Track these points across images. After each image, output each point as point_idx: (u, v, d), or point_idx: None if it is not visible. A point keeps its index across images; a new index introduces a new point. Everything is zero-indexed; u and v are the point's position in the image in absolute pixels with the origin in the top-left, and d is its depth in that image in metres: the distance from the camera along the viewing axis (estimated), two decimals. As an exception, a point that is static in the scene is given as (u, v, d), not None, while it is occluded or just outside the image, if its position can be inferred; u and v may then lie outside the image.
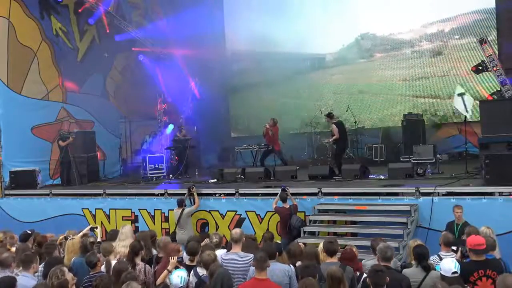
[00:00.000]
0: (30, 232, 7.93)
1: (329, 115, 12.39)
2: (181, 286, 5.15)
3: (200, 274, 5.58)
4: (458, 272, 4.89)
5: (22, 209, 12.91)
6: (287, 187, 9.75)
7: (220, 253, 6.43)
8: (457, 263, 4.94)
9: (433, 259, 5.79)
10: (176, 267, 5.63)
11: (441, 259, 5.63)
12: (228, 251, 6.45)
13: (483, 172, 8.95)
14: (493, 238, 5.77)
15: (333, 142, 12.39)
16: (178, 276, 5.11)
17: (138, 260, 6.09)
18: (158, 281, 5.70)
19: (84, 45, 16.13)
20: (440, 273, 4.96)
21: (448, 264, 4.94)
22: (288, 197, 9.37)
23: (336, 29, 16.33)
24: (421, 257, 5.34)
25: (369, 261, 6.12)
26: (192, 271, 5.74)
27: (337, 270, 4.85)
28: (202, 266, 5.62)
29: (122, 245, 6.77)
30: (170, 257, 5.79)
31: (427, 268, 5.24)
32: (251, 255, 5.67)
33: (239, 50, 16.15)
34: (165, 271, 5.65)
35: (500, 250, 6.05)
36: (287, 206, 9.25)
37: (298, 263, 5.92)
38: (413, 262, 5.70)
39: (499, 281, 4.40)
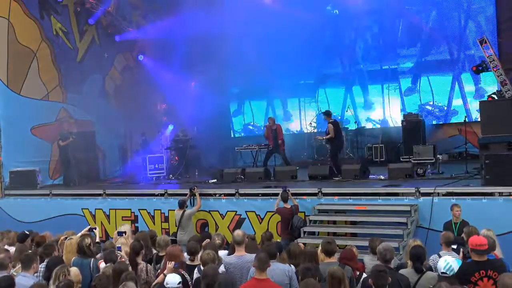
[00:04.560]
0: (28, 232, 7.94)
1: (327, 113, 12.39)
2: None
3: None
4: (449, 273, 4.93)
5: (22, 209, 12.89)
6: (288, 187, 9.75)
7: (220, 254, 6.44)
8: (449, 264, 4.96)
9: (433, 258, 5.80)
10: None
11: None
12: (230, 253, 6.44)
13: (483, 172, 8.95)
14: (493, 238, 5.77)
15: (326, 141, 12.39)
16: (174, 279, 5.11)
17: (139, 260, 6.10)
18: (154, 283, 5.68)
19: (83, 45, 16.11)
20: (438, 273, 5.01)
21: (440, 263, 5.03)
22: (289, 197, 9.37)
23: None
24: (416, 258, 5.35)
25: (366, 256, 6.21)
26: (196, 269, 5.75)
27: (338, 270, 4.85)
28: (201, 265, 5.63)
29: None
30: (167, 262, 5.78)
31: (420, 270, 5.25)
32: None
33: (241, 48, 16.09)
34: (162, 275, 5.63)
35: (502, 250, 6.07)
36: (288, 207, 9.25)
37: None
38: (408, 262, 5.73)
39: (499, 281, 4.42)
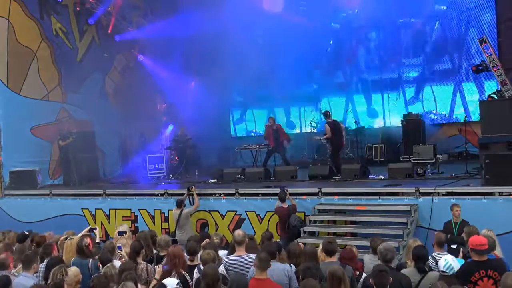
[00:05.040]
0: (27, 233, 7.94)
1: (325, 114, 12.44)
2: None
3: None
4: (449, 272, 4.93)
5: (22, 209, 12.90)
6: (286, 187, 9.76)
7: (220, 254, 6.43)
8: (448, 263, 4.97)
9: (429, 260, 5.79)
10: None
11: (435, 260, 5.65)
12: (229, 253, 6.44)
13: (483, 172, 8.95)
14: (493, 238, 5.77)
15: (326, 141, 12.42)
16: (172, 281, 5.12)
17: (140, 260, 6.10)
18: (150, 287, 5.67)
19: (84, 45, 16.12)
20: (439, 272, 5.03)
21: (440, 262, 5.05)
22: (286, 197, 9.38)
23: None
24: (419, 258, 5.35)
25: (366, 256, 6.24)
26: (196, 269, 5.74)
27: (338, 269, 4.85)
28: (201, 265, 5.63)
29: None
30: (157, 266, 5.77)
31: (423, 270, 5.25)
32: None
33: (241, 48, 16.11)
34: (154, 281, 5.61)
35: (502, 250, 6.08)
36: (286, 206, 9.27)
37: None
38: (408, 262, 5.73)
39: (501, 281, 4.42)
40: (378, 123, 16.28)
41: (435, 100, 15.44)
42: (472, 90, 14.85)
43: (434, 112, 15.49)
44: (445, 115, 15.36)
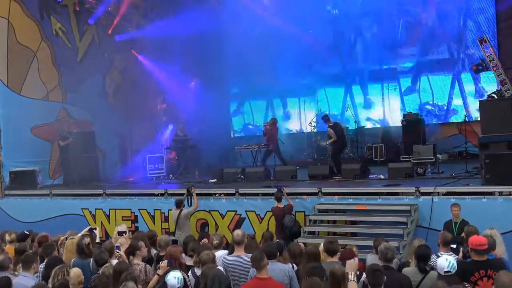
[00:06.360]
0: (27, 232, 7.94)
1: (325, 118, 12.47)
2: (178, 287, 5.09)
3: (198, 274, 5.56)
4: (452, 271, 4.89)
5: (22, 209, 12.90)
6: (283, 187, 9.75)
7: (220, 254, 6.43)
8: (451, 262, 4.93)
9: (432, 259, 5.79)
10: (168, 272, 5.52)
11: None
12: (230, 253, 6.44)
13: (483, 172, 8.95)
14: (493, 238, 5.75)
15: (331, 144, 12.45)
16: (174, 277, 5.03)
17: (136, 260, 6.08)
18: (153, 284, 5.65)
19: (83, 45, 16.11)
20: (437, 272, 4.99)
21: (442, 262, 4.97)
22: (283, 197, 9.37)
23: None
24: (421, 258, 5.34)
25: (369, 256, 6.22)
26: (190, 272, 5.73)
27: (339, 268, 4.85)
28: (200, 266, 5.61)
29: None
30: (160, 262, 5.76)
31: (424, 270, 5.24)
32: None
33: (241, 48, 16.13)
34: (156, 276, 5.60)
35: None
36: (281, 206, 9.26)
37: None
38: (410, 261, 5.71)
39: (495, 278, 4.41)
40: (376, 114, 16.28)
41: (432, 90, 15.47)
42: (468, 79, 14.91)
43: (430, 103, 15.51)
44: (442, 106, 15.38)
